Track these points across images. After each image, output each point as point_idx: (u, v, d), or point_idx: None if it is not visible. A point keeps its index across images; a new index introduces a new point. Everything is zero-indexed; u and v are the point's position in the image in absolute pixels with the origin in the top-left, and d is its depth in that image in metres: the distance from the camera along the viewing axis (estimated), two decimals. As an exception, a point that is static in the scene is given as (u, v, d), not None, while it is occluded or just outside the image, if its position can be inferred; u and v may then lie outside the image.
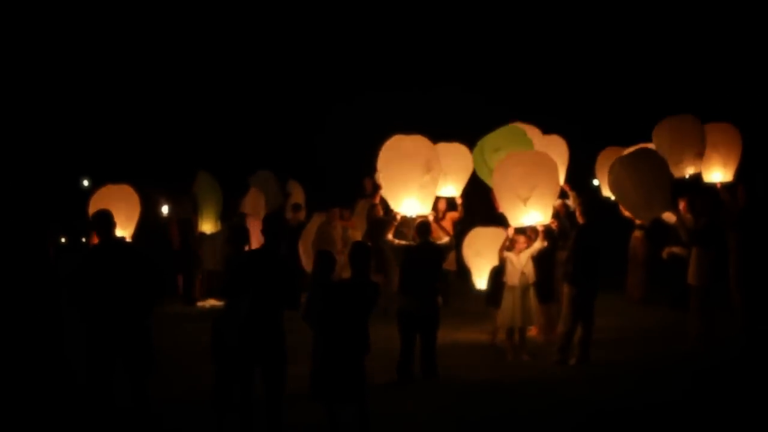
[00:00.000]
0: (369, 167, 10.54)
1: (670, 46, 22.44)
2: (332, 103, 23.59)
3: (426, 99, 22.46)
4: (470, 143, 11.78)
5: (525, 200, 9.87)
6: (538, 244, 10.57)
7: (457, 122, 12.84)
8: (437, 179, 10.47)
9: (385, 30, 23.88)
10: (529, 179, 10.02)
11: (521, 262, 10.55)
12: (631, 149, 11.65)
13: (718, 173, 12.28)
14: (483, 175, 10.84)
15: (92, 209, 10.55)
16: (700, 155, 12.02)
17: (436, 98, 22.45)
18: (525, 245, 10.61)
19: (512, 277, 10.59)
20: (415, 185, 10.10)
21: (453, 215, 12.64)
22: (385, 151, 10.34)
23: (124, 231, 10.52)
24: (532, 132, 11.91)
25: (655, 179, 10.43)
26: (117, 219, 10.06)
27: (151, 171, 17.94)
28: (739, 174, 12.31)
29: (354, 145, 21.02)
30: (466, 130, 12.03)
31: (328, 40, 24.21)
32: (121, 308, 7.28)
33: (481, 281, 11.29)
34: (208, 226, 13.09)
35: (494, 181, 10.24)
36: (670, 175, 10.89)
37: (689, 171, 11.98)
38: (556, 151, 12.37)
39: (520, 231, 10.58)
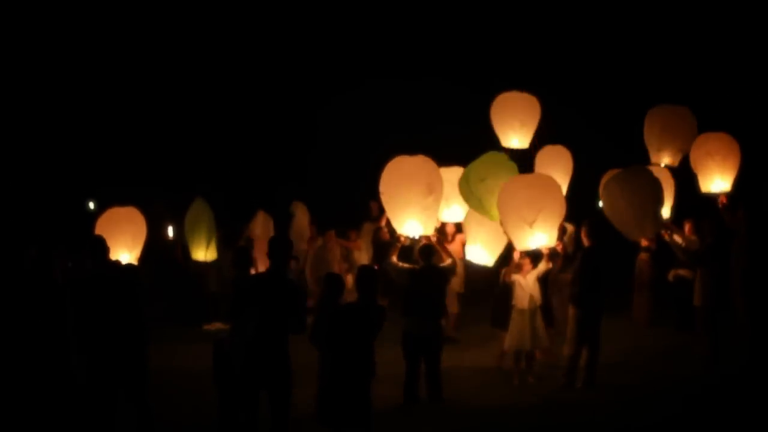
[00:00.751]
0: (373, 189, 10.50)
1: (670, 55, 22.36)
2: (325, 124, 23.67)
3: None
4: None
5: (531, 223, 9.85)
6: (543, 266, 10.57)
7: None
8: (439, 201, 10.47)
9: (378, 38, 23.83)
10: (534, 202, 10.00)
11: (529, 285, 10.56)
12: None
13: (717, 183, 12.24)
14: (472, 205, 10.85)
15: (98, 231, 10.59)
16: (682, 151, 11.98)
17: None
18: (531, 267, 10.63)
19: (521, 300, 10.59)
20: (417, 207, 10.10)
21: (462, 238, 12.64)
22: (387, 172, 10.34)
23: (131, 253, 10.53)
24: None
25: (648, 197, 10.40)
26: (124, 241, 10.15)
27: (156, 193, 17.95)
28: (738, 185, 12.26)
29: (351, 159, 21.19)
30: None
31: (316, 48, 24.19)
32: (113, 336, 7.33)
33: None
34: (200, 254, 12.98)
35: (499, 206, 10.24)
36: (663, 196, 10.86)
37: (666, 161, 11.95)
38: (561, 161, 12.42)
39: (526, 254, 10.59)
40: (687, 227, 12.31)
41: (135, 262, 10.57)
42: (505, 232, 10.40)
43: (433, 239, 10.44)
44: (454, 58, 23.71)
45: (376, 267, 9.14)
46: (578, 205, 12.58)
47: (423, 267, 9.91)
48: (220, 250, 13.32)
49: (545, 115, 12.78)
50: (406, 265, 10.08)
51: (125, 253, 10.21)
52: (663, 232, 11.33)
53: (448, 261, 10.32)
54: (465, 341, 13.11)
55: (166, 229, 16.19)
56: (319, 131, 23.76)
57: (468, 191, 10.74)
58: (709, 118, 12.50)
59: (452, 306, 13.15)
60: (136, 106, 23.64)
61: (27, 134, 22.57)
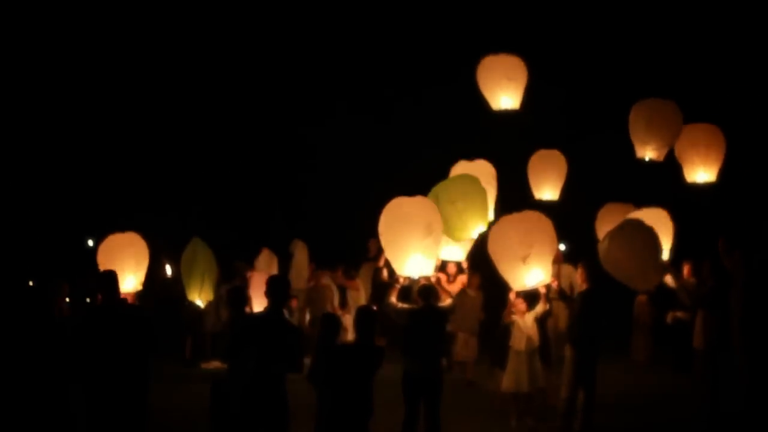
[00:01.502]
0: (372, 228, 10.52)
1: (654, 46, 22.07)
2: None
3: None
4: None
5: (524, 259, 9.85)
6: (541, 308, 10.58)
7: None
8: (439, 241, 10.50)
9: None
10: (526, 238, 10.01)
11: (527, 326, 10.56)
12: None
13: (701, 173, 12.25)
14: None
15: (101, 258, 10.57)
16: (668, 144, 11.99)
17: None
18: (526, 307, 10.63)
19: (518, 342, 10.59)
20: (417, 247, 10.12)
21: (463, 279, 12.66)
22: (386, 213, 10.37)
23: (135, 275, 10.52)
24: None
25: (647, 250, 10.40)
26: (128, 265, 10.13)
27: (155, 231, 17.93)
28: (722, 175, 12.27)
29: (349, 198, 21.20)
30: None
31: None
32: (115, 373, 7.29)
33: None
34: (194, 295, 12.93)
35: (490, 247, 10.24)
36: (660, 244, 10.87)
37: (651, 155, 11.96)
38: (554, 165, 12.68)
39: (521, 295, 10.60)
40: (686, 269, 12.33)
41: (140, 285, 10.56)
42: (500, 274, 10.41)
43: (433, 279, 10.46)
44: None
45: (374, 307, 9.14)
46: (578, 245, 12.61)
47: (422, 307, 9.89)
48: (219, 288, 13.31)
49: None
50: (405, 306, 10.07)
51: (130, 276, 10.20)
52: (665, 276, 11.31)
53: (447, 301, 10.32)
54: (463, 381, 13.08)
55: (164, 268, 16.17)
56: (317, 170, 23.80)
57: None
58: (693, 109, 12.50)
59: (470, 350, 13.23)
60: (136, 145, 23.71)
61: (26, 170, 22.64)
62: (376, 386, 7.62)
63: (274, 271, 14.55)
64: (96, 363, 7.30)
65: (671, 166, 12.07)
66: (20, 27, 21.68)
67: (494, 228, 10.18)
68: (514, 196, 12.51)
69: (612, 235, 10.51)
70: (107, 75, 23.10)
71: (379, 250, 13.28)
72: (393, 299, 10.08)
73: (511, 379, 10.63)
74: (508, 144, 13.22)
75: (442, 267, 11.21)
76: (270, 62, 23.73)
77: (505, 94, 12.34)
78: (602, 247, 10.50)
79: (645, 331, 14.59)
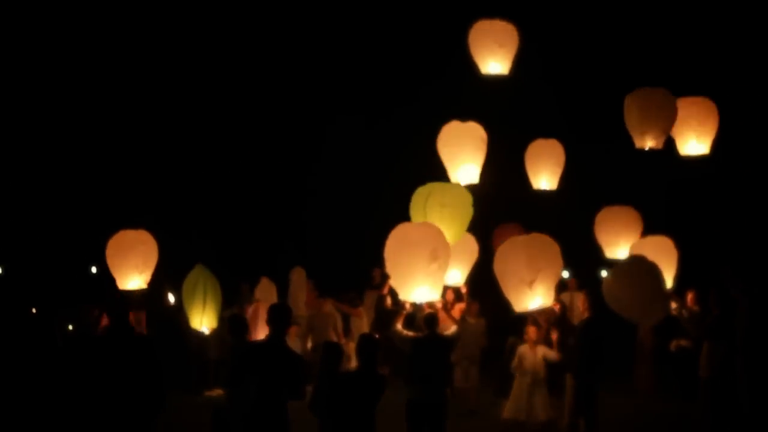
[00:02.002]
0: (376, 254, 10.53)
1: (649, 23, 21.91)
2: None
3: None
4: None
5: (530, 283, 9.85)
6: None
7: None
8: (445, 268, 10.50)
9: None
10: (534, 263, 10.01)
11: (536, 360, 10.52)
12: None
13: (694, 146, 12.23)
14: (415, 216, 10.96)
15: (110, 253, 10.51)
16: (666, 131, 11.98)
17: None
18: (536, 336, 10.60)
19: (523, 371, 10.56)
20: (423, 273, 10.12)
21: (461, 306, 12.64)
22: (392, 239, 10.39)
23: (141, 275, 10.47)
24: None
25: (650, 289, 10.37)
26: (134, 263, 10.06)
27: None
28: (715, 147, 12.25)
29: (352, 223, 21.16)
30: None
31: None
32: (120, 400, 7.21)
33: None
34: (196, 323, 12.86)
35: (496, 268, 10.25)
36: (663, 278, 10.83)
37: (650, 144, 11.95)
38: (552, 155, 12.67)
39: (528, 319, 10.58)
40: (690, 296, 12.30)
41: (145, 285, 10.50)
42: (504, 294, 10.40)
43: (439, 305, 10.46)
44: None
45: (377, 336, 9.13)
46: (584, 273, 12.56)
47: (427, 335, 9.91)
48: (224, 314, 13.27)
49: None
50: (410, 333, 10.08)
51: (135, 276, 10.15)
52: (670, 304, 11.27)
53: (452, 328, 10.32)
54: (468, 409, 13.03)
55: (167, 296, 16.17)
56: (318, 195, 23.82)
57: (421, 208, 10.80)
58: (688, 84, 12.52)
59: (471, 379, 13.18)
60: (137, 173, 23.75)
61: (32, 196, 22.69)
62: (378, 414, 7.61)
63: (274, 299, 14.53)
64: (101, 390, 7.22)
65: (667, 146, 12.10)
66: (18, 38, 21.67)
67: (502, 249, 10.19)
68: (501, 158, 12.71)
69: (615, 273, 10.48)
70: (110, 104, 23.17)
71: (384, 278, 13.28)
72: (399, 326, 10.10)
73: (511, 406, 10.61)
74: (495, 108, 13.18)
75: (442, 294, 11.17)
76: (278, 87, 23.79)
77: (494, 60, 12.30)
78: (606, 285, 10.49)
79: (648, 359, 14.53)
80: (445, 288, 11.72)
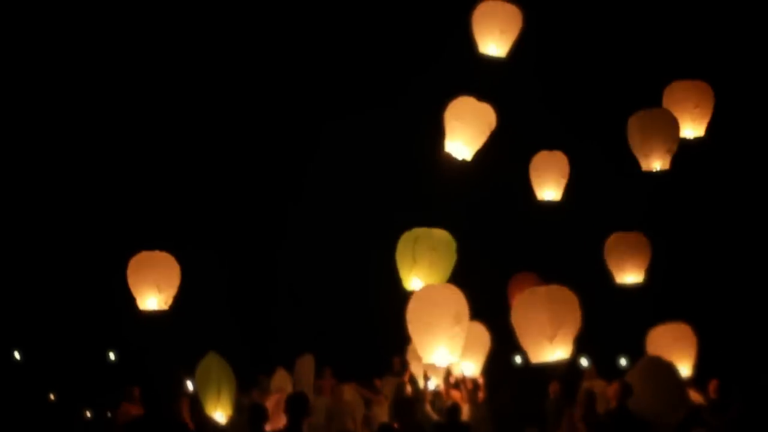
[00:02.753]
0: (399, 342, 10.61)
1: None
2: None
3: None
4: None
5: (551, 338, 9.84)
6: None
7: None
8: (466, 330, 10.45)
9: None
10: (556, 318, 9.96)
11: None
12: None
13: (689, 129, 12.21)
14: (403, 261, 10.98)
15: (131, 276, 10.47)
16: (670, 151, 11.96)
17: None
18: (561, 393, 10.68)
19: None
20: (446, 336, 10.10)
21: (457, 395, 12.56)
22: (415, 300, 10.42)
23: (160, 295, 10.40)
24: None
25: (671, 386, 10.30)
26: (154, 281, 10.00)
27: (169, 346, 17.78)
28: (710, 130, 12.21)
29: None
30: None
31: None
32: None
33: None
34: (212, 410, 12.77)
35: (515, 319, 10.24)
36: (681, 379, 10.76)
37: (657, 166, 11.93)
38: (557, 167, 12.87)
39: None
40: (712, 387, 12.18)
41: (165, 306, 10.42)
42: (522, 345, 10.34)
43: (441, 387, 10.54)
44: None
45: (395, 425, 9.08)
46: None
47: (448, 423, 9.96)
48: (241, 400, 13.21)
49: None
50: (435, 417, 10.17)
51: (153, 295, 10.10)
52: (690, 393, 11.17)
53: (464, 408, 10.47)
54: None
55: (185, 384, 16.09)
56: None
57: (410, 249, 10.85)
58: (683, 65, 12.54)
59: None
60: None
61: (46, 280, 22.67)
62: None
63: (289, 389, 14.38)
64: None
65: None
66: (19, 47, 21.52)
67: (521, 299, 10.23)
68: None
69: (632, 377, 10.40)
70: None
71: (404, 366, 13.23)
72: (428, 407, 10.22)
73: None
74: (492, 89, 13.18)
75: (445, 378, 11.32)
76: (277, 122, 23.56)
77: (494, 43, 12.33)
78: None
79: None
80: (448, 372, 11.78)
